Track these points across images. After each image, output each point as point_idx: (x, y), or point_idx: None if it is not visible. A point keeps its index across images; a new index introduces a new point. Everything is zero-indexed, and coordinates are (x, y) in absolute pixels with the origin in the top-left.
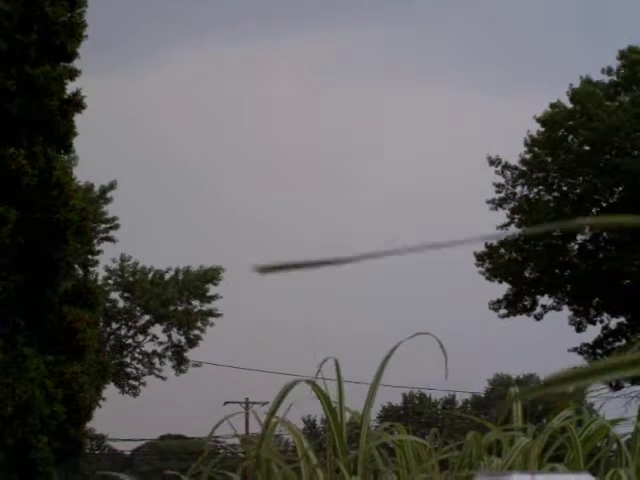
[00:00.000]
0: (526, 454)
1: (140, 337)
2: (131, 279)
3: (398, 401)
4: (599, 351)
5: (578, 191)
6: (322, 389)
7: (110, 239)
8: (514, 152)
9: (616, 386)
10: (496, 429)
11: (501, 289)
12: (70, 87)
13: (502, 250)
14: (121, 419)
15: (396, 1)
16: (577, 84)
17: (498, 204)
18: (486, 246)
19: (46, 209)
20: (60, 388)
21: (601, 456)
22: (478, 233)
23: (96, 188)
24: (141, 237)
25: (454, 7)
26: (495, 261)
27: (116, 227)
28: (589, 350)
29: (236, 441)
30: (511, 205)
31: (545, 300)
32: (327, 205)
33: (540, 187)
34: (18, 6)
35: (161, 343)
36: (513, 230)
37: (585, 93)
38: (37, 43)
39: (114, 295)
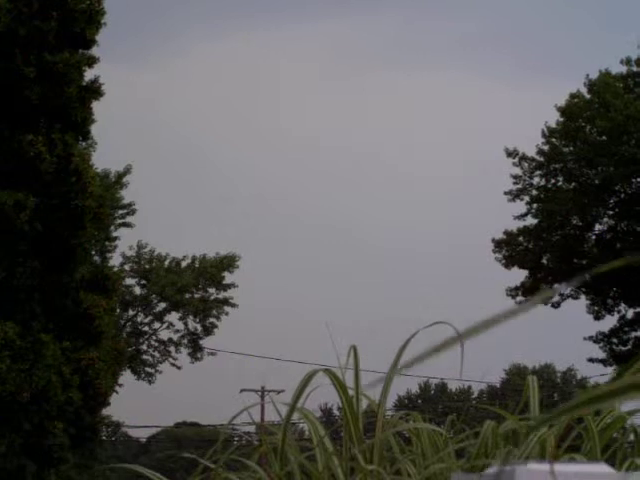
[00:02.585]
0: (543, 444)
1: (156, 324)
2: (147, 266)
3: (416, 389)
4: (615, 340)
5: (596, 182)
6: (339, 377)
7: (127, 225)
8: (530, 143)
9: None
10: (513, 419)
11: (518, 276)
12: (88, 74)
13: (520, 238)
14: (137, 406)
15: None
16: (595, 76)
17: (516, 195)
18: (504, 233)
19: (64, 196)
20: (76, 375)
21: (618, 447)
22: (495, 222)
23: (112, 174)
24: (158, 224)
25: None
26: (513, 249)
27: (133, 212)
28: (605, 339)
29: (251, 428)
30: (528, 196)
31: (563, 288)
32: (342, 190)
33: (557, 178)
34: None
35: (177, 331)
36: (531, 220)
37: (602, 83)
38: (56, 30)
39: (131, 282)
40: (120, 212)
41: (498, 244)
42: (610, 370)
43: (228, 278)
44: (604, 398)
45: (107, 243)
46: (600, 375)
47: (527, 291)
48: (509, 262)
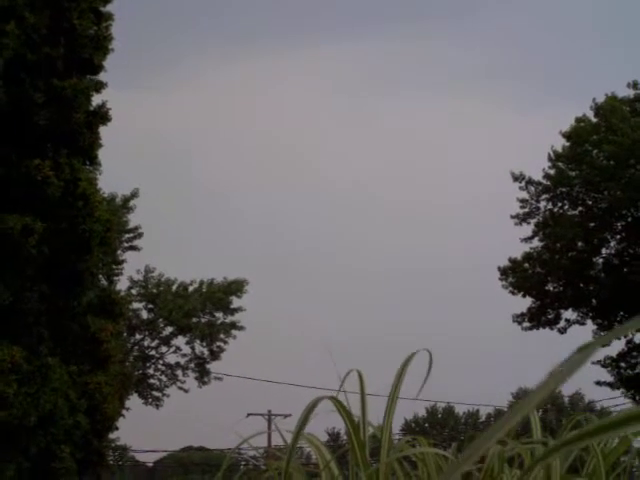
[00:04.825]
0: (547, 467)
1: (163, 348)
2: (155, 291)
3: (423, 412)
4: (623, 364)
5: (602, 205)
6: (343, 403)
7: (134, 248)
8: (537, 167)
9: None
10: (515, 444)
11: (525, 302)
12: (95, 99)
13: (526, 264)
14: (144, 430)
15: (418, 18)
16: (602, 99)
17: (522, 219)
18: (509, 260)
19: (71, 220)
20: (83, 399)
21: (622, 470)
22: (502, 247)
23: (118, 198)
24: (164, 247)
25: (478, 23)
26: (519, 275)
27: (140, 236)
28: (613, 363)
29: (257, 453)
30: (535, 220)
31: (569, 314)
32: (347, 216)
33: (564, 202)
34: (46, 19)
35: (184, 355)
36: (537, 243)
37: (609, 107)
38: (64, 56)
39: (138, 305)
40: (127, 236)
41: (504, 271)
42: (617, 393)
43: (235, 302)
44: (608, 429)
45: (114, 267)
46: (609, 398)
47: (533, 317)
48: (515, 288)
